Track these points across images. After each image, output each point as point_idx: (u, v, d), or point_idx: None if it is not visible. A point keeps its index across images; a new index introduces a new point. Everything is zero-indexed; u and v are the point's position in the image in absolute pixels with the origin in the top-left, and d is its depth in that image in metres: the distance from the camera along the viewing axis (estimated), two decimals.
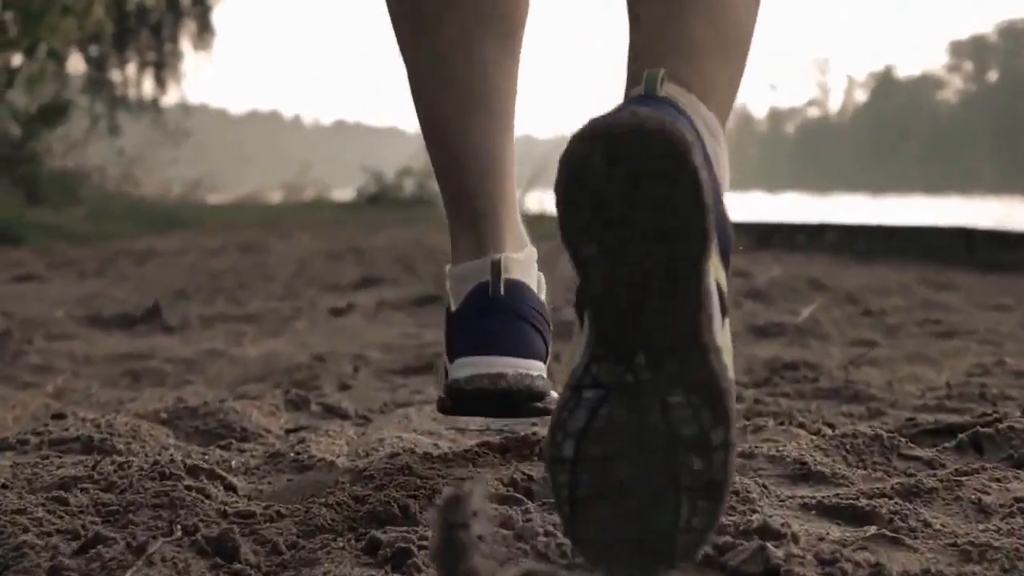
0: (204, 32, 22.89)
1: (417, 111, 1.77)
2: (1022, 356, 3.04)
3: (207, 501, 1.47)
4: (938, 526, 1.40)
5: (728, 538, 1.29)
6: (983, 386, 2.48)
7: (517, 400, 1.62)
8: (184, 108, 22.62)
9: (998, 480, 1.59)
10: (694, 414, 1.20)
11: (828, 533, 1.38)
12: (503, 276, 1.65)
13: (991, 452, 1.78)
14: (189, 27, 22.87)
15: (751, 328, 3.69)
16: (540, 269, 1.79)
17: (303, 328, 3.98)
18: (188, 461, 1.63)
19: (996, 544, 1.31)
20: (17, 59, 10.97)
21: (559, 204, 1.22)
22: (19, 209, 10.22)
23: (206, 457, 1.75)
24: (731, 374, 1.27)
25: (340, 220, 13.64)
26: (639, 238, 1.19)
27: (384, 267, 6.55)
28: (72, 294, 5.18)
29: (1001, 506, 1.49)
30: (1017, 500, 1.50)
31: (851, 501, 1.48)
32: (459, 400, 1.63)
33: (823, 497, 1.52)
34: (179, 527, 1.36)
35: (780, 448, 1.73)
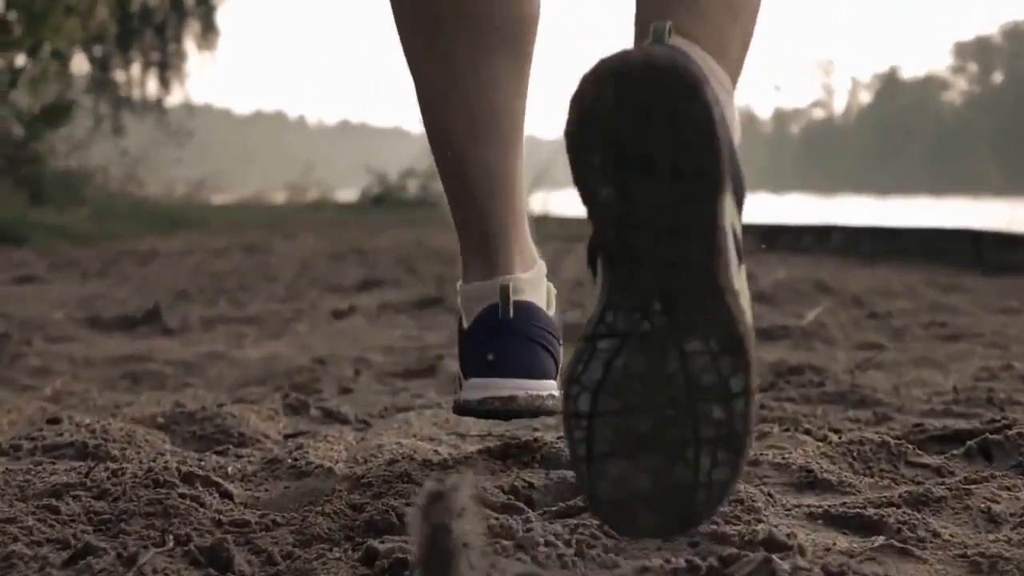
0: (208, 32, 22.87)
1: (428, 130, 1.75)
2: None
3: (201, 509, 1.44)
4: (947, 536, 1.37)
5: (733, 549, 1.26)
6: (990, 391, 2.46)
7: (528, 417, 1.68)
8: (188, 108, 22.61)
9: (1008, 488, 1.56)
10: (713, 361, 1.18)
11: (835, 544, 1.35)
12: (512, 299, 1.66)
13: (1000, 459, 1.76)
14: (193, 27, 22.86)
15: (756, 331, 3.65)
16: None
17: (304, 330, 3.95)
18: (183, 468, 1.60)
19: (1007, 555, 1.29)
20: (21, 59, 10.96)
21: (570, 148, 1.20)
22: (22, 209, 10.19)
23: (202, 463, 1.72)
24: (750, 319, 1.24)
25: (343, 221, 13.61)
26: (653, 177, 1.16)
27: (387, 268, 6.52)
28: (73, 295, 5.16)
29: (1011, 515, 1.46)
30: None
31: (858, 510, 1.46)
32: (471, 416, 1.69)
33: (829, 506, 1.50)
34: (171, 537, 1.33)
35: (786, 455, 1.71)
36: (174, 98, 22.64)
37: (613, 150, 1.17)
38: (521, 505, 1.49)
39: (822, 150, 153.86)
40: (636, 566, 1.22)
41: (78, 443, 1.84)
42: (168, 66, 22.44)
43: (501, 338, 1.65)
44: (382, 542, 1.31)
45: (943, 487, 1.55)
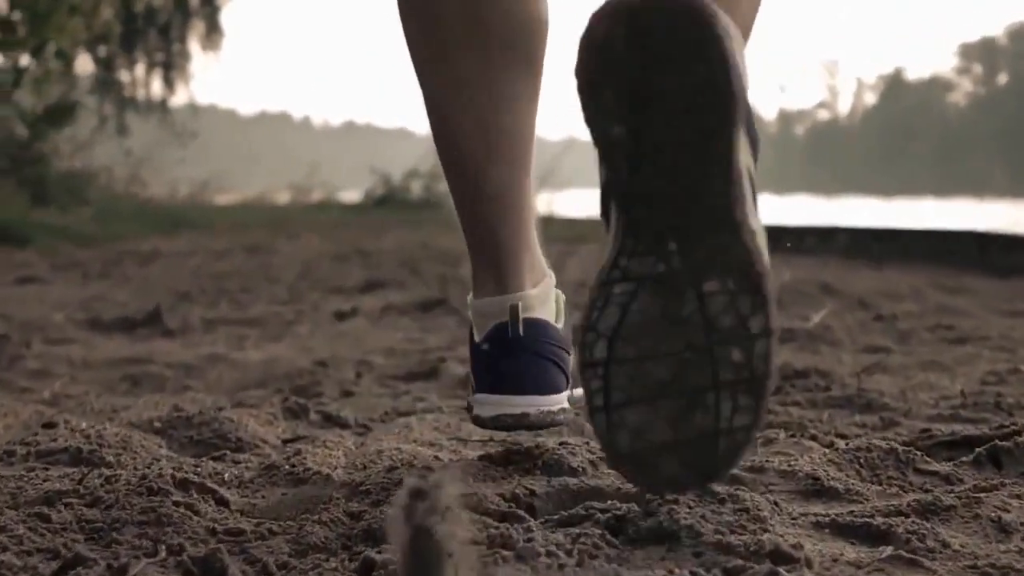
0: (213, 33, 22.88)
1: (440, 147, 1.73)
2: None
3: (195, 518, 1.41)
4: (957, 546, 1.35)
5: (738, 560, 1.23)
6: (998, 395, 2.43)
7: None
8: (192, 108, 22.61)
9: (1018, 497, 1.53)
10: (731, 301, 1.16)
11: (842, 554, 1.32)
12: (522, 317, 1.68)
13: (1010, 467, 1.73)
14: (197, 28, 22.86)
15: None
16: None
17: (306, 332, 3.93)
18: (178, 474, 1.57)
19: (1018, 566, 1.26)
20: (25, 59, 10.95)
21: (581, 88, 1.18)
22: (25, 210, 10.17)
23: (198, 469, 1.69)
24: (767, 260, 1.21)
25: (347, 222, 13.60)
26: (665, 114, 1.14)
27: (390, 270, 6.50)
28: (74, 296, 5.14)
29: (1022, 525, 1.44)
30: None
31: (866, 519, 1.43)
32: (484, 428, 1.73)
33: (836, 515, 1.47)
34: (164, 546, 1.30)
35: (792, 462, 1.68)
36: (178, 98, 22.65)
37: (624, 87, 1.15)
38: (522, 513, 1.46)
39: (827, 151, 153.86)
40: None
41: (72, 449, 1.81)
42: (172, 66, 22.45)
43: (512, 356, 1.67)
44: (379, 552, 1.28)
45: (952, 495, 1.52)
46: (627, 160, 1.17)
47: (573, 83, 1.18)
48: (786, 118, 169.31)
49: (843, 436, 2.06)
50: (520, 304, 1.69)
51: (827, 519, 1.45)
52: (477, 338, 1.73)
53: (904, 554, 1.30)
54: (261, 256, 7.85)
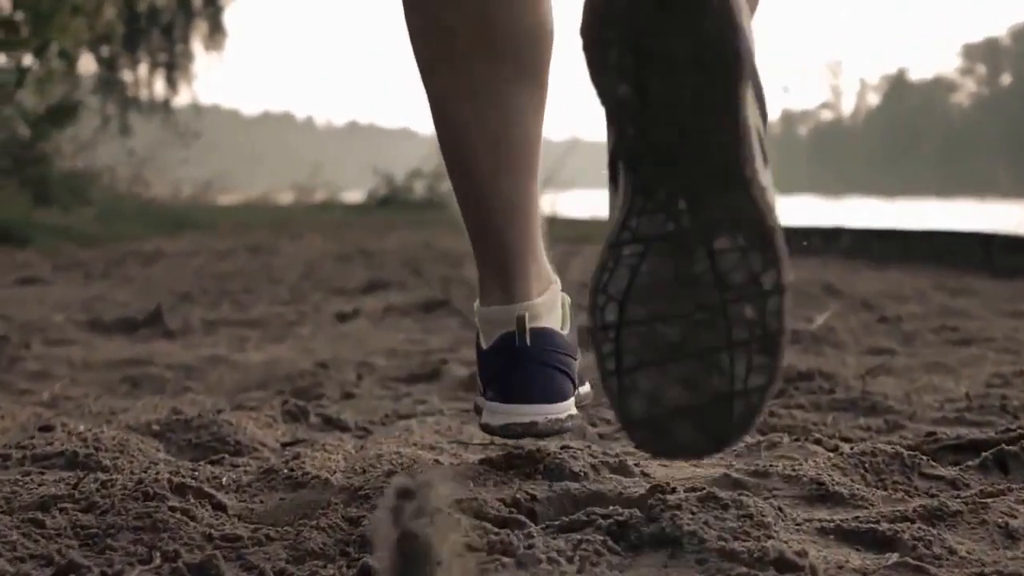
0: (216, 33, 22.89)
1: (448, 158, 1.72)
2: None
3: (192, 523, 1.39)
4: (964, 553, 1.33)
5: (742, 568, 1.21)
6: (1004, 398, 2.41)
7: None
8: (196, 109, 22.60)
9: None
10: (742, 258, 1.14)
11: (848, 561, 1.30)
12: (528, 327, 1.69)
13: (1016, 471, 1.71)
14: (201, 28, 22.87)
15: None
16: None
17: (307, 333, 3.91)
18: (175, 479, 1.55)
19: None
20: (28, 59, 10.93)
21: (586, 46, 1.16)
22: (27, 210, 10.16)
23: (196, 473, 1.67)
24: (778, 215, 1.20)
25: (350, 222, 13.60)
26: (672, 71, 1.13)
27: (392, 270, 6.49)
28: (75, 297, 5.12)
29: None
30: None
31: (871, 525, 1.41)
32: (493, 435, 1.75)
33: (841, 520, 1.45)
34: (159, 553, 1.28)
35: (796, 467, 1.66)
36: (182, 99, 22.66)
37: (630, 45, 1.14)
38: (523, 519, 1.45)
39: (830, 152, 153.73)
40: None
41: (68, 452, 1.79)
42: (175, 67, 22.45)
43: (519, 366, 1.68)
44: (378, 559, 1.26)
45: (959, 501, 1.50)
46: (634, 119, 1.16)
47: (579, 42, 1.17)
48: (789, 119, 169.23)
49: (847, 440, 2.04)
50: (527, 315, 1.69)
51: (832, 525, 1.43)
52: (484, 345, 1.73)
53: (910, 561, 1.28)
54: (264, 256, 7.84)
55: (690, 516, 1.34)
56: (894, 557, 1.30)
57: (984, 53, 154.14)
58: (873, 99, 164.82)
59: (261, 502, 1.57)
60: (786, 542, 1.32)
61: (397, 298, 4.98)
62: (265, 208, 17.82)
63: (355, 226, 12.43)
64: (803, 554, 1.25)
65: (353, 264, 7.10)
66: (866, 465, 1.68)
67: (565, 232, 8.24)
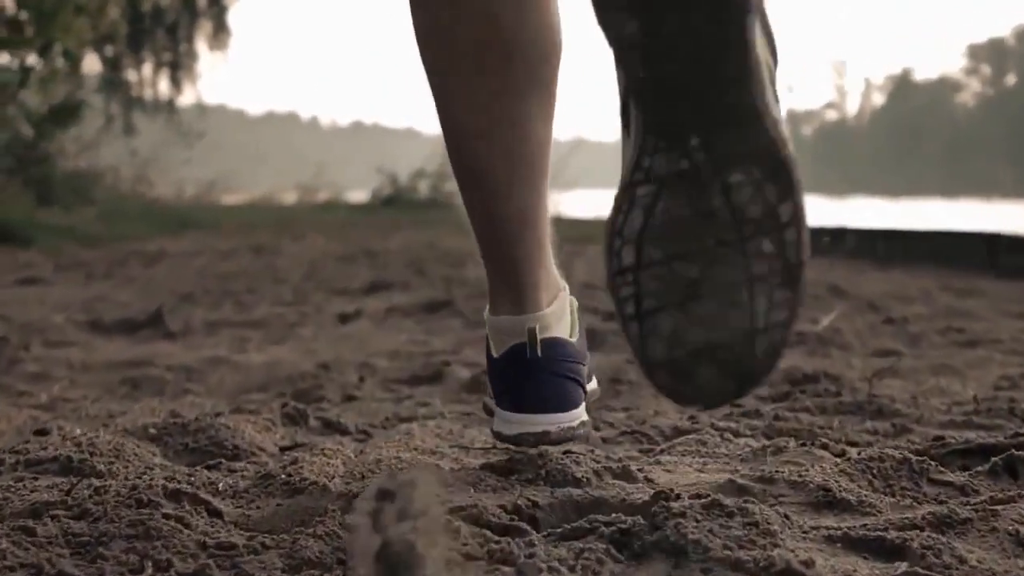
0: (220, 32, 22.89)
1: (459, 172, 1.71)
2: None
3: (186, 531, 1.36)
4: (974, 562, 1.30)
5: None
6: (1012, 401, 2.38)
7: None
8: (200, 108, 22.61)
9: None
10: (758, 191, 1.13)
11: (855, 570, 1.28)
12: (539, 338, 1.70)
13: None
14: (205, 27, 22.86)
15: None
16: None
17: (309, 334, 3.89)
18: (170, 485, 1.52)
19: None
20: (32, 59, 10.91)
21: None
22: (30, 210, 10.14)
23: (192, 479, 1.64)
24: (792, 147, 1.18)
25: (354, 222, 13.58)
26: (679, 4, 1.11)
27: (396, 270, 6.46)
28: (76, 297, 5.09)
29: None
30: None
31: (879, 533, 1.38)
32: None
33: (849, 528, 1.42)
34: (151, 562, 1.25)
35: (802, 472, 1.63)
36: (186, 98, 22.65)
37: None
38: (524, 526, 1.42)
39: (835, 152, 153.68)
40: None
41: (63, 457, 1.75)
42: (180, 66, 22.44)
43: (531, 377, 1.70)
44: None
45: (968, 508, 1.47)
46: (643, 58, 1.15)
47: None
48: (794, 119, 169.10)
49: (854, 444, 2.01)
50: (537, 326, 1.70)
51: (839, 533, 1.40)
52: (494, 353, 1.74)
53: (920, 570, 1.26)
54: (267, 256, 7.82)
55: (695, 524, 1.32)
56: (903, 566, 1.28)
57: (989, 53, 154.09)
58: (878, 99, 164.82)
59: (258, 508, 1.55)
60: (793, 551, 1.29)
61: (400, 299, 4.95)
62: (269, 208, 17.81)
63: (359, 226, 12.41)
64: (810, 563, 1.23)
65: (356, 264, 7.08)
66: (874, 471, 1.65)
67: (569, 232, 8.21)
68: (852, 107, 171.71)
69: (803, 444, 1.89)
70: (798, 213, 1.13)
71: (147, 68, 22.29)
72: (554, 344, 1.71)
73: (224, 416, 2.16)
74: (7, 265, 6.87)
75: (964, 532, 1.41)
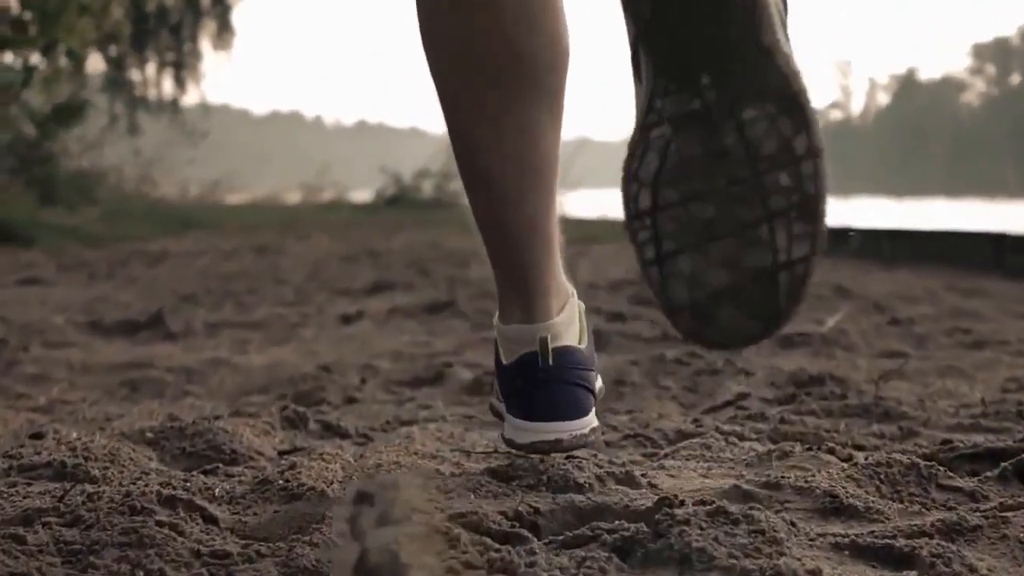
0: (224, 32, 22.89)
1: (470, 182, 1.70)
2: None
3: (179, 539, 1.33)
4: (984, 571, 1.27)
5: None
6: (1020, 403, 2.36)
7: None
8: (204, 108, 22.61)
9: None
10: (772, 125, 1.11)
11: None
12: (551, 347, 1.70)
13: None
14: (209, 27, 22.86)
15: (775, 337, 3.54)
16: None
17: (311, 336, 3.86)
18: (165, 491, 1.49)
19: None
20: (35, 58, 10.90)
21: None
22: (33, 210, 10.12)
23: (188, 484, 1.61)
24: (804, 80, 1.16)
25: (357, 221, 13.56)
26: None
27: (399, 271, 6.44)
28: (77, 298, 5.07)
29: None
30: None
31: (888, 540, 1.35)
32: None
33: (856, 535, 1.39)
34: (143, 571, 1.23)
35: (809, 478, 1.60)
36: (191, 98, 22.65)
37: None
38: (525, 533, 1.39)
39: (839, 151, 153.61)
40: None
41: (56, 463, 1.72)
42: (183, 66, 22.44)
43: (543, 386, 1.70)
44: None
45: (978, 514, 1.45)
46: (650, 1, 1.12)
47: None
48: None
49: (861, 448, 1.99)
50: (549, 336, 1.70)
51: (847, 540, 1.37)
52: (504, 360, 1.75)
53: None
54: (270, 257, 7.80)
55: (699, 532, 1.29)
56: (912, 575, 1.25)
57: (994, 53, 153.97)
58: (882, 99, 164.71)
59: (254, 515, 1.52)
60: (799, 559, 1.27)
61: (402, 299, 4.93)
62: (272, 208, 17.80)
63: (363, 226, 12.40)
64: (817, 572, 1.20)
65: (359, 264, 7.06)
66: (881, 476, 1.62)
67: (574, 232, 8.19)
68: (856, 107, 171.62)
69: (809, 448, 1.86)
70: (814, 144, 1.12)
71: (151, 68, 22.30)
72: (565, 352, 1.71)
73: (223, 419, 2.14)
74: (9, 265, 6.85)
75: (974, 540, 1.39)
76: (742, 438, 2.07)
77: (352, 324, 4.17)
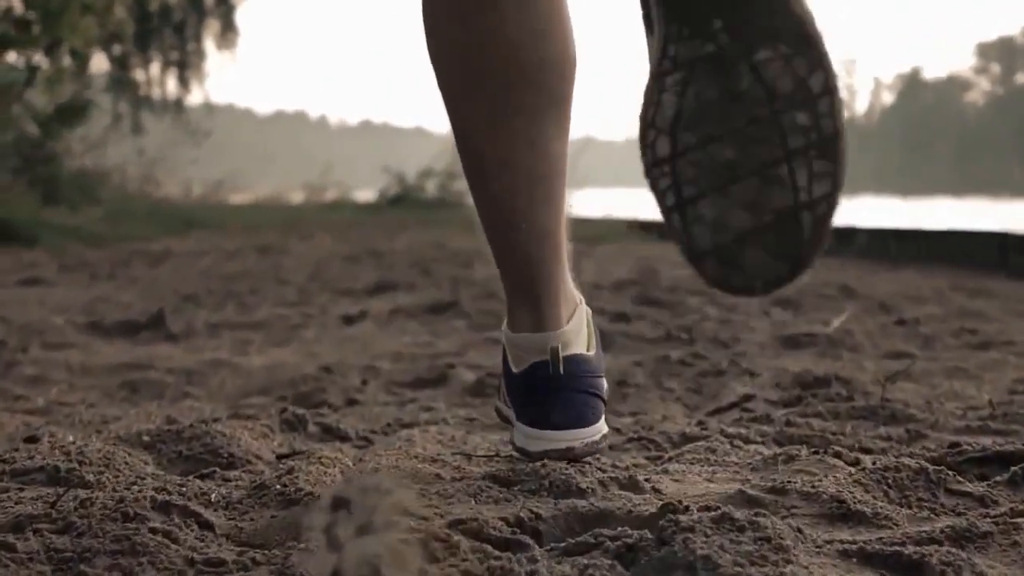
0: (228, 31, 22.87)
1: (472, 184, 1.69)
2: None
3: (173, 547, 1.31)
4: None
5: None
6: None
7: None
8: (208, 108, 22.60)
9: None
10: (787, 65, 1.11)
11: None
12: (561, 356, 1.70)
13: None
14: (213, 26, 22.85)
15: (780, 338, 3.53)
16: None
17: (312, 336, 3.83)
18: (159, 497, 1.46)
19: None
20: (39, 58, 10.88)
21: None
22: (35, 209, 10.10)
23: (183, 489, 1.58)
24: (818, 22, 1.15)
25: (361, 221, 13.54)
26: None
27: (401, 271, 6.41)
28: (78, 299, 5.04)
29: None
30: None
31: (896, 547, 1.32)
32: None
33: (865, 542, 1.36)
34: None
35: (815, 483, 1.57)
36: (194, 98, 22.65)
37: None
38: (527, 540, 1.36)
39: None
40: None
41: (50, 467, 1.69)
42: (187, 65, 22.43)
43: (553, 395, 1.71)
44: None
45: (988, 520, 1.42)
46: None
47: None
48: None
49: (868, 451, 1.96)
50: (560, 345, 1.70)
51: (855, 547, 1.34)
52: (514, 368, 1.75)
53: None
54: (273, 257, 7.77)
55: (703, 539, 1.26)
56: None
57: (999, 52, 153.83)
58: (887, 98, 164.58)
59: (251, 520, 1.49)
60: (806, 567, 1.24)
61: (405, 299, 4.90)
62: (276, 207, 17.77)
63: (366, 226, 12.38)
64: None
65: (362, 264, 7.03)
66: (889, 481, 1.59)
67: (578, 232, 8.17)
68: (862, 106, 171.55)
69: (815, 452, 1.83)
70: (830, 82, 1.12)
71: (155, 67, 22.29)
72: (575, 360, 1.71)
73: (221, 422, 2.11)
74: (11, 265, 6.82)
75: (984, 547, 1.36)
76: (747, 441, 2.04)
77: (354, 325, 4.15)
